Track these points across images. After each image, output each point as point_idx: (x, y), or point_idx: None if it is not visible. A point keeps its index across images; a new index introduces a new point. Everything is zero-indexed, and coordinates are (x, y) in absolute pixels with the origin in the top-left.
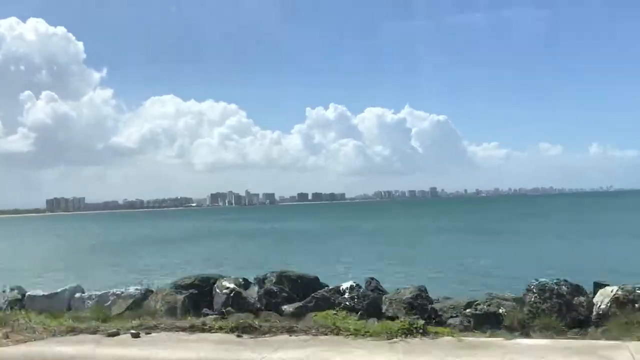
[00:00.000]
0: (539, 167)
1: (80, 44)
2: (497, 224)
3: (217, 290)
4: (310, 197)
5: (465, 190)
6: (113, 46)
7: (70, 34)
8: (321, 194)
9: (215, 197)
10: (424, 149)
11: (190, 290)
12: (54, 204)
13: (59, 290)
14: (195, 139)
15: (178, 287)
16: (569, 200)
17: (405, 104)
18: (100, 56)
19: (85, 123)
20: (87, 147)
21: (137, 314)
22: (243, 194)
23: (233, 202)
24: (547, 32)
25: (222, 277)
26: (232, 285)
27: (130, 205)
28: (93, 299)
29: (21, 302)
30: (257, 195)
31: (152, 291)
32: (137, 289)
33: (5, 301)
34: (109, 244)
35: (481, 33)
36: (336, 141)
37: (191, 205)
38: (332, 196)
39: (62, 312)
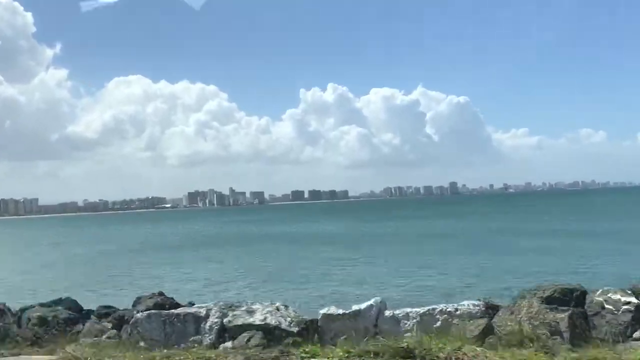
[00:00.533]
0: (578, 157)
1: (29, 15)
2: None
3: (609, 306)
4: (306, 195)
5: (491, 186)
6: (68, 17)
7: (16, 3)
8: (320, 191)
9: (193, 196)
10: (441, 137)
11: (565, 308)
12: (1, 206)
13: (362, 306)
14: (167, 127)
15: (545, 301)
16: (623, 197)
17: (418, 83)
18: (53, 29)
19: (36, 109)
20: (39, 138)
21: (501, 338)
22: (226, 192)
23: (215, 202)
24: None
25: (586, 288)
26: (634, 300)
27: (93, 207)
28: (413, 318)
29: (313, 323)
30: (244, 193)
31: (495, 306)
32: (474, 304)
33: (292, 322)
34: (119, 253)
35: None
36: (336, 128)
37: (165, 207)
38: (332, 194)
39: (366, 334)
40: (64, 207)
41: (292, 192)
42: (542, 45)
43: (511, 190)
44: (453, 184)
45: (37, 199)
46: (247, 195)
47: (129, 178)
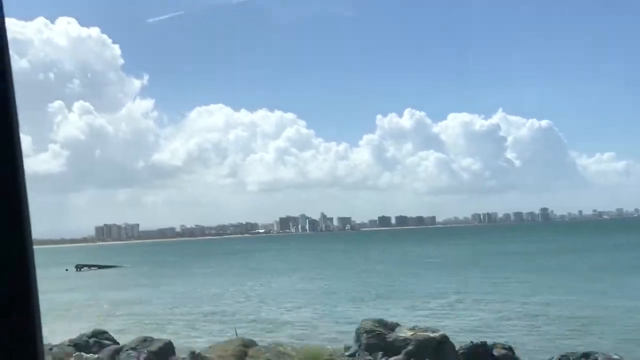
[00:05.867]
0: None
1: (117, 47)
2: None
3: None
4: (393, 221)
5: (580, 212)
6: (154, 49)
7: (105, 36)
8: (406, 217)
9: (285, 221)
10: (523, 162)
11: None
12: (105, 232)
13: None
14: (248, 154)
15: None
16: None
17: (498, 108)
18: (139, 61)
19: (123, 138)
20: (126, 166)
21: None
22: (315, 217)
23: (307, 227)
24: None
25: None
26: None
27: (190, 232)
28: None
29: None
30: (331, 219)
31: None
32: None
33: None
34: None
35: (588, 14)
36: (414, 154)
37: (259, 232)
38: (419, 220)
39: None
40: (162, 233)
41: (379, 217)
42: (621, 68)
43: (605, 216)
44: (544, 210)
45: (138, 225)
46: (335, 220)
47: (215, 204)
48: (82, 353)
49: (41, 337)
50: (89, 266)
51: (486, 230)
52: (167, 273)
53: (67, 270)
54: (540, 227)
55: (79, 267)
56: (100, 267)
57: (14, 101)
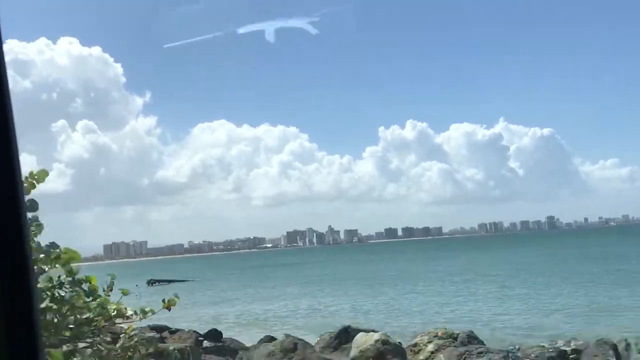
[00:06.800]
0: None
1: (119, 66)
2: None
3: None
4: (400, 232)
5: (586, 219)
6: (155, 66)
7: (107, 55)
8: (413, 228)
9: (292, 235)
10: (526, 171)
11: None
12: (113, 250)
13: None
14: (251, 169)
15: None
16: None
17: (499, 117)
18: (141, 79)
19: (127, 156)
20: (131, 183)
21: None
22: (322, 230)
23: (315, 240)
24: None
25: None
26: None
27: (198, 248)
28: None
29: None
30: (338, 232)
31: None
32: None
33: None
34: None
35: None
36: (418, 165)
37: (266, 246)
38: (426, 231)
39: None
40: (171, 250)
41: (386, 229)
42: (621, 73)
43: (612, 223)
44: (550, 218)
45: (146, 242)
46: (342, 233)
47: (221, 219)
48: None
49: (42, 348)
50: (160, 281)
51: (500, 239)
52: (250, 283)
53: (137, 285)
54: (553, 235)
55: (151, 282)
56: (170, 281)
57: (13, 121)
